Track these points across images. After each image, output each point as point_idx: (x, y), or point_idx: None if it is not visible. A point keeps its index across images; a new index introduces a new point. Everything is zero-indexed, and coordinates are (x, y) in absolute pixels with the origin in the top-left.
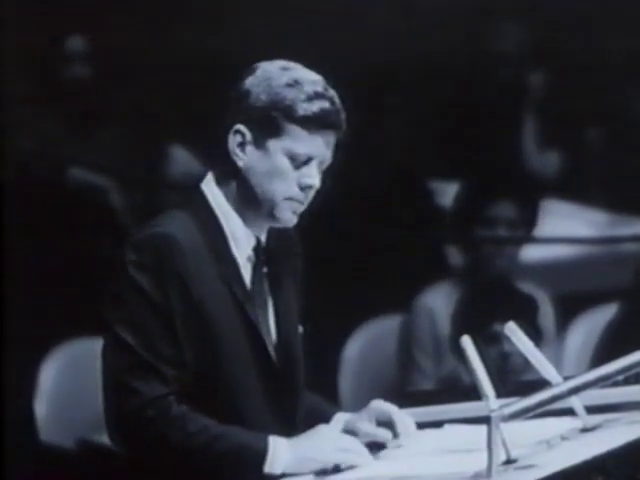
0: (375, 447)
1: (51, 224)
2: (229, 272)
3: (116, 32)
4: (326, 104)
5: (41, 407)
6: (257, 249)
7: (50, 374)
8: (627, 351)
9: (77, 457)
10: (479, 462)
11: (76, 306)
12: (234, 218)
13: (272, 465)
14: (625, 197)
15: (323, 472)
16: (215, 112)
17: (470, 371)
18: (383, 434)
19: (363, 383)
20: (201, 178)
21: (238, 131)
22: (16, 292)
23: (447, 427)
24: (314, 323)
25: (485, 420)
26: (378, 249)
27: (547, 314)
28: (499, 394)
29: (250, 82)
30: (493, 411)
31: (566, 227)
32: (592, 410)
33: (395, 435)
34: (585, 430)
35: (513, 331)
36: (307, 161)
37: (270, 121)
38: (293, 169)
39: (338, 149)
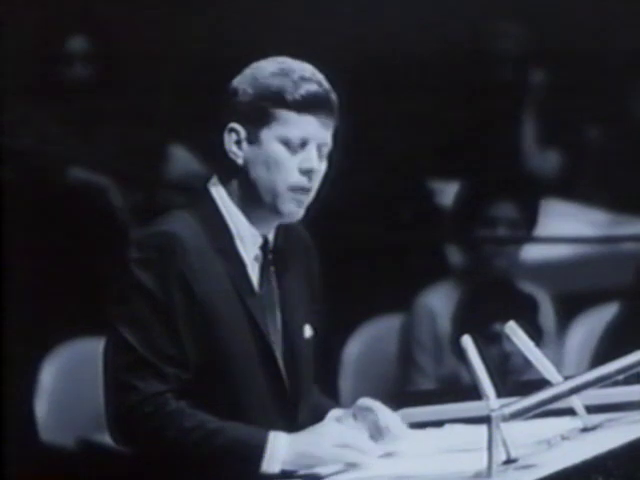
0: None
1: (51, 224)
2: (235, 271)
3: (116, 32)
4: (313, 86)
5: (41, 407)
6: (264, 248)
7: (50, 374)
8: (627, 351)
9: (77, 457)
10: (479, 462)
11: (76, 306)
12: (239, 217)
13: (270, 461)
14: (625, 197)
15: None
16: (213, 112)
17: (470, 371)
18: (360, 434)
19: (363, 383)
20: (203, 178)
21: (232, 129)
22: (16, 292)
23: (447, 427)
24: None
25: (485, 420)
26: (378, 249)
27: (547, 314)
28: (499, 394)
29: (237, 80)
30: (493, 411)
31: (566, 227)
32: (592, 410)
33: (380, 432)
34: (585, 430)
35: (513, 331)
36: (303, 144)
37: (259, 112)
38: (290, 155)
39: (338, 142)
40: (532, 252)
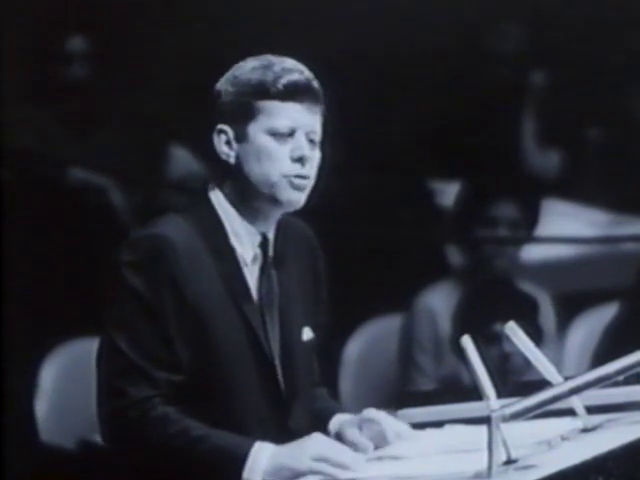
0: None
1: (51, 224)
2: (230, 273)
3: (116, 32)
4: (295, 75)
5: (41, 407)
6: (264, 246)
7: (50, 374)
8: (627, 351)
9: (77, 457)
10: (479, 462)
11: (76, 306)
12: (235, 216)
13: (251, 471)
14: (625, 197)
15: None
16: (202, 117)
17: (470, 371)
18: (364, 445)
19: (363, 383)
20: (203, 178)
21: (221, 130)
22: (16, 292)
23: (447, 427)
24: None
25: (485, 420)
26: (378, 249)
27: (548, 314)
28: (499, 394)
29: (220, 82)
30: (493, 411)
31: (566, 227)
32: (593, 410)
33: (386, 443)
34: (586, 430)
35: (514, 331)
36: (291, 133)
37: (244, 107)
38: (279, 145)
39: (338, 142)
40: (532, 252)
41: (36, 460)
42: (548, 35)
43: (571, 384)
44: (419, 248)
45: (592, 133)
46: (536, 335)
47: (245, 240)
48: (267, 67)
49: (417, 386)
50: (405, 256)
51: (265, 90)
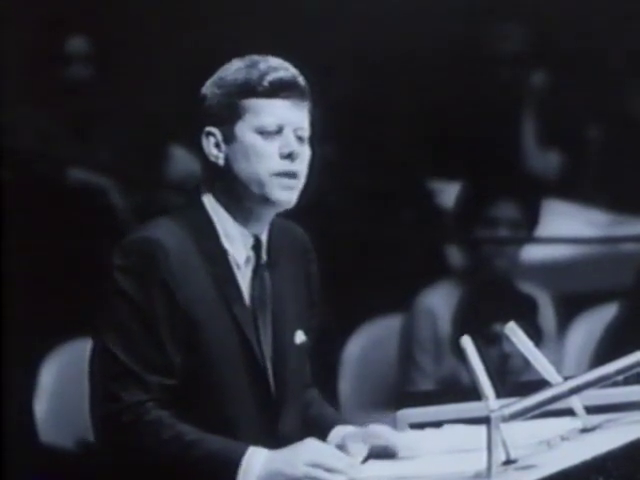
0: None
1: (51, 224)
2: (222, 276)
3: (116, 32)
4: (280, 72)
5: (41, 407)
6: (257, 248)
7: (50, 374)
8: (627, 351)
9: (77, 457)
10: (479, 462)
11: (76, 306)
12: (227, 218)
13: (245, 476)
14: (625, 197)
15: None
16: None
17: (470, 371)
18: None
19: (363, 383)
20: (197, 180)
21: (209, 133)
22: (16, 292)
23: (447, 427)
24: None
25: (485, 420)
26: (378, 249)
27: (547, 314)
28: (499, 394)
29: (206, 86)
30: (493, 411)
31: (566, 227)
32: (592, 410)
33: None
34: (585, 430)
35: (513, 331)
36: (279, 130)
37: (230, 108)
38: (267, 142)
39: (338, 142)
40: (532, 252)
41: (36, 460)
42: (548, 35)
43: (570, 384)
44: (419, 248)
45: (592, 133)
46: (536, 335)
47: (237, 242)
48: (252, 66)
49: (417, 386)
50: (405, 256)
51: (251, 88)
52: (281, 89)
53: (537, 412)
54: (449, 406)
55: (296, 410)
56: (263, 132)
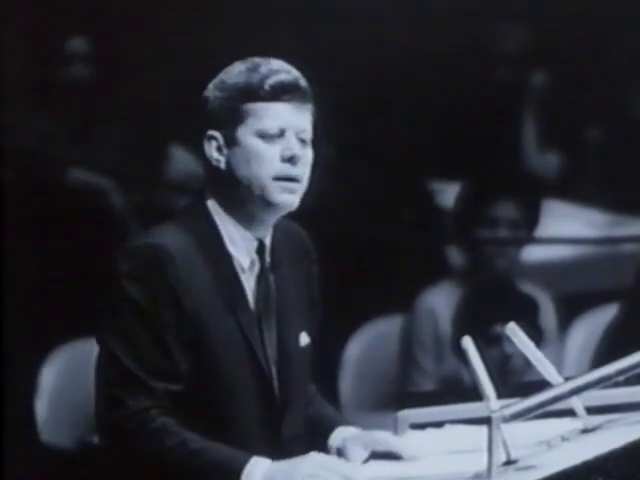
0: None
1: (51, 224)
2: (227, 281)
3: (116, 32)
4: (281, 75)
5: (41, 407)
6: (261, 252)
7: (50, 374)
8: (628, 352)
9: (77, 457)
10: (479, 462)
11: (76, 307)
12: (230, 222)
13: None
14: (625, 197)
15: None
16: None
17: (471, 372)
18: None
19: (364, 384)
20: (200, 183)
21: (211, 137)
22: (16, 292)
23: (448, 427)
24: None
25: (486, 421)
26: (378, 249)
27: (548, 315)
28: (500, 395)
29: (208, 89)
30: (494, 412)
31: (566, 228)
32: (593, 411)
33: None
34: (586, 431)
35: (514, 332)
36: (281, 134)
37: (232, 111)
38: (269, 146)
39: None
40: (533, 253)
41: (36, 460)
42: (548, 35)
43: (571, 385)
44: (420, 249)
45: (592, 133)
46: (536, 336)
47: (242, 246)
48: (253, 69)
49: (418, 386)
50: (406, 257)
51: (252, 92)
52: (283, 92)
53: (538, 412)
54: (450, 406)
55: (300, 413)
56: (265, 136)
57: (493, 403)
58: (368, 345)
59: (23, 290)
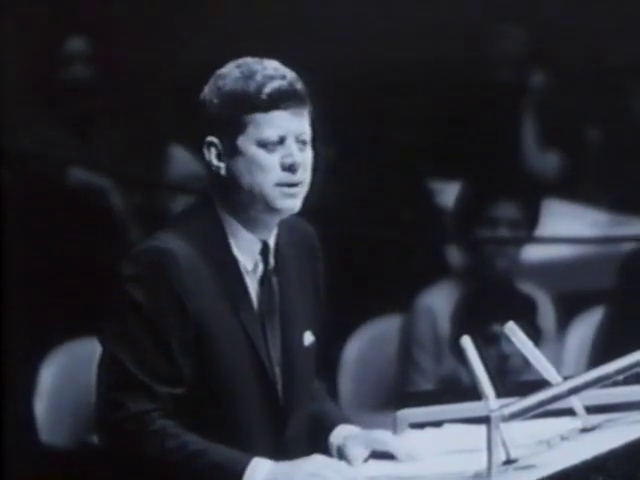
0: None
1: (51, 224)
2: (231, 284)
3: (116, 32)
4: (277, 82)
5: (41, 407)
6: (265, 253)
7: (50, 374)
8: (627, 351)
9: (77, 457)
10: (479, 462)
11: (75, 306)
12: (235, 225)
13: None
14: (625, 197)
15: None
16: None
17: (470, 371)
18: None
19: (363, 383)
20: (203, 187)
21: (210, 143)
22: (16, 292)
23: (447, 427)
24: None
25: (485, 420)
26: (378, 249)
27: (547, 314)
28: (499, 394)
29: (204, 92)
30: (493, 411)
31: (566, 227)
32: (592, 410)
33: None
34: (585, 430)
35: (513, 331)
36: (281, 141)
37: (230, 121)
38: (269, 154)
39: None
40: (532, 252)
41: (36, 460)
42: (548, 36)
43: (570, 384)
44: (419, 248)
45: (592, 133)
46: (535, 335)
47: (246, 249)
48: (249, 77)
49: (417, 386)
50: (405, 256)
51: (250, 103)
52: (280, 100)
53: (537, 412)
54: (449, 406)
55: (303, 413)
56: (265, 145)
57: (492, 402)
58: (367, 345)
59: (23, 290)
